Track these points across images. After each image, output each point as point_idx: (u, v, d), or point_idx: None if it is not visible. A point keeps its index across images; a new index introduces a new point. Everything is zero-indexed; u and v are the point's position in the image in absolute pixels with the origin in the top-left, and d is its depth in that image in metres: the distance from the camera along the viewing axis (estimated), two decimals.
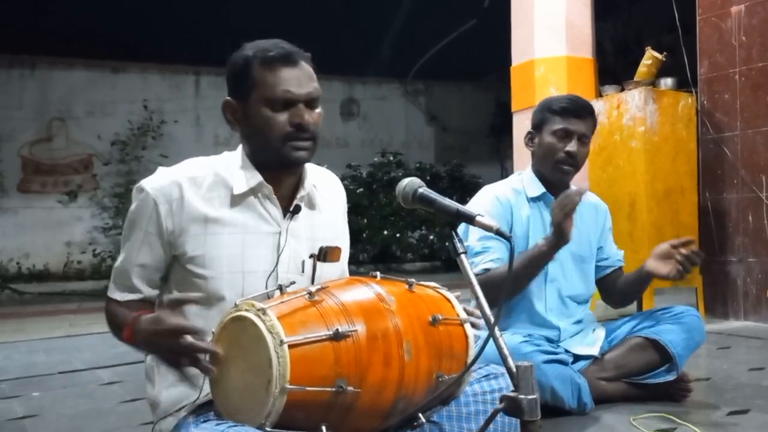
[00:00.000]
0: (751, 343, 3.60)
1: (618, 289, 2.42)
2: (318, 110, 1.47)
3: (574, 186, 2.49)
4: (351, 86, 12.15)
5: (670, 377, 2.30)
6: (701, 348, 2.44)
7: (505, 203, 2.34)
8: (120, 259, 1.50)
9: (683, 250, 2.12)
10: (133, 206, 1.48)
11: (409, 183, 1.38)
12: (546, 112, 2.35)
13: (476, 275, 2.12)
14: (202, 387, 1.39)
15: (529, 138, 2.41)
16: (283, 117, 1.42)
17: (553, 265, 2.33)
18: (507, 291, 2.12)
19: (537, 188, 2.37)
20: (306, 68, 1.46)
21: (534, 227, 2.35)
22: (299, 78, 1.44)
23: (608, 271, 2.46)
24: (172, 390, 1.46)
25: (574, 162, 2.30)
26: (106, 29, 10.09)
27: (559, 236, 2.08)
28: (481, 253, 2.26)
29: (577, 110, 2.31)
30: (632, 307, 4.24)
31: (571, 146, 2.28)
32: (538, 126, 2.37)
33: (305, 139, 1.44)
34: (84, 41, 9.92)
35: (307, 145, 1.45)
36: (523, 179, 2.42)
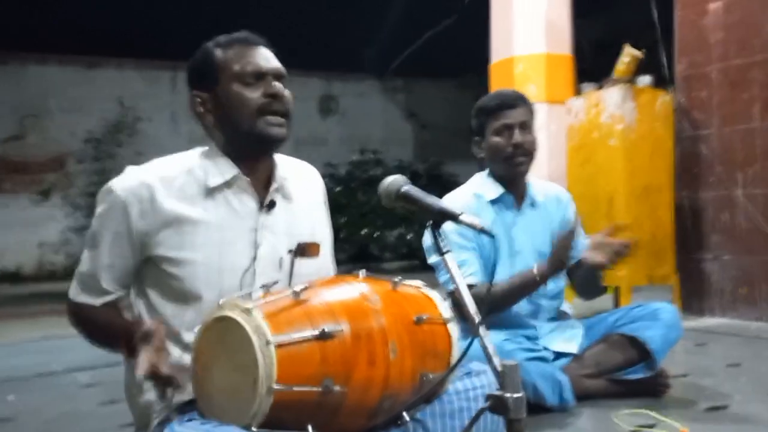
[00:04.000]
0: (727, 339, 3.65)
1: (577, 282, 2.44)
2: (288, 91, 1.47)
3: (538, 182, 2.50)
4: (329, 83, 12.09)
5: (650, 373, 2.33)
6: (679, 344, 2.47)
7: (467, 210, 2.33)
8: (85, 262, 1.47)
9: (611, 240, 2.18)
10: (100, 208, 1.45)
11: (393, 181, 1.37)
12: (481, 115, 2.39)
13: (451, 291, 2.15)
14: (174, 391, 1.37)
15: (477, 146, 2.43)
16: (256, 91, 1.43)
17: (520, 266, 2.34)
18: (491, 305, 2.16)
19: (495, 190, 2.38)
20: (267, 50, 1.48)
21: (497, 231, 2.35)
22: (264, 55, 1.47)
23: (574, 261, 2.47)
24: (153, 392, 1.43)
25: (524, 151, 2.33)
26: (81, 24, 9.93)
27: (559, 269, 2.16)
28: (458, 267, 2.23)
29: (509, 102, 2.35)
30: (610, 304, 4.29)
31: (516, 137, 2.31)
32: (479, 131, 2.40)
33: (280, 114, 1.44)
34: (58, 36, 9.75)
35: (282, 121, 1.45)
36: (481, 183, 2.43)
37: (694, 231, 4.45)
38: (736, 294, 4.24)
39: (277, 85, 1.44)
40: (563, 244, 2.12)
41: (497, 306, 2.23)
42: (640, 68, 4.51)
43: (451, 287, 2.15)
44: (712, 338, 3.66)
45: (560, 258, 2.12)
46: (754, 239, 4.14)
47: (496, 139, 2.34)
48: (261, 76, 1.44)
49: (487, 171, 2.44)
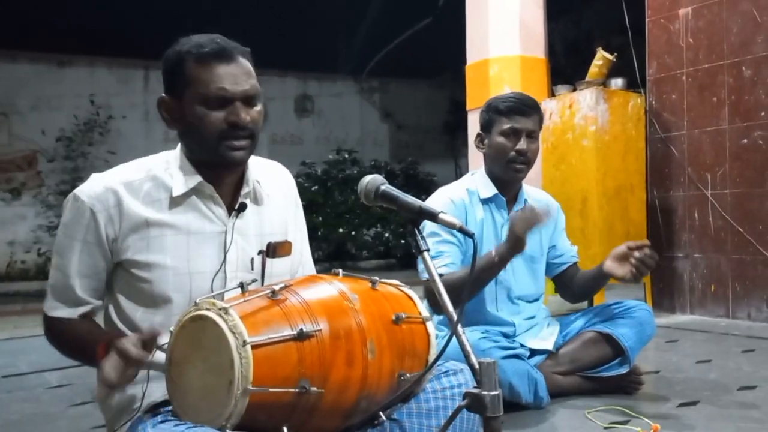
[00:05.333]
0: (697, 336, 3.72)
1: (575, 285, 2.46)
2: (257, 108, 1.43)
3: (530, 188, 2.53)
4: (305, 82, 12.06)
5: (623, 370, 2.36)
6: (650, 341, 2.51)
7: (459, 205, 2.35)
8: (56, 274, 1.44)
9: (638, 254, 2.13)
10: (67, 217, 1.42)
11: (371, 180, 1.37)
12: (492, 113, 2.38)
13: (426, 281, 2.16)
14: (145, 392, 1.36)
15: (479, 140, 2.44)
16: (218, 115, 1.38)
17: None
18: (466, 294, 2.14)
19: (489, 189, 2.39)
20: (243, 64, 1.41)
21: (487, 229, 2.38)
22: (235, 75, 1.39)
23: (563, 267, 2.50)
24: (125, 394, 1.42)
25: (526, 159, 2.34)
26: (52, 21, 9.76)
27: (515, 248, 2.08)
28: (434, 258, 2.24)
29: (522, 108, 2.34)
30: (584, 302, 4.34)
31: (521, 144, 2.32)
32: (486, 127, 2.40)
33: (242, 137, 1.40)
34: (28, 33, 9.58)
35: (245, 144, 1.41)
36: (475, 180, 2.44)
37: (665, 230, 4.52)
38: (706, 291, 4.32)
39: (241, 113, 1.39)
40: (523, 223, 2.04)
41: (458, 291, 2.22)
42: (613, 71, 4.58)
43: (426, 277, 2.16)
44: (683, 335, 3.73)
45: (519, 239, 2.05)
46: (723, 238, 4.22)
47: (502, 140, 2.34)
48: (226, 101, 1.39)
49: (483, 168, 2.45)
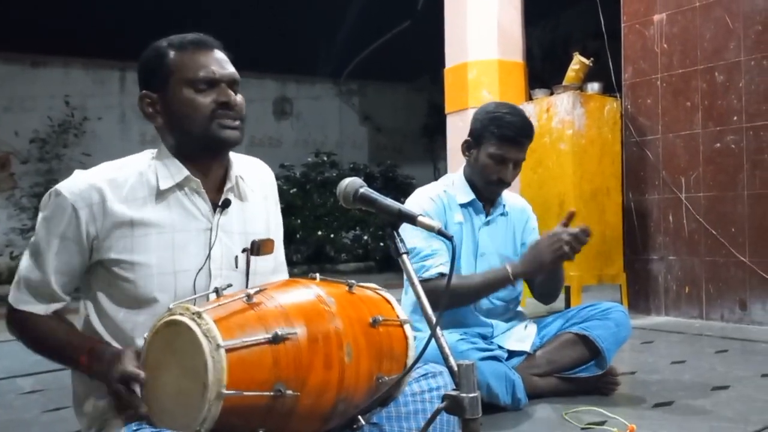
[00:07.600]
0: (672, 337, 3.77)
1: (538, 285, 2.47)
2: (241, 97, 1.45)
3: (506, 193, 2.54)
4: (284, 85, 12.01)
5: (599, 371, 2.38)
6: (626, 342, 2.54)
7: (439, 204, 2.37)
8: (31, 269, 1.40)
9: (571, 230, 2.18)
10: (47, 211, 1.40)
11: (350, 183, 1.36)
12: (486, 130, 2.33)
13: (430, 279, 2.19)
14: None
15: (467, 147, 2.42)
16: (207, 97, 1.40)
17: (483, 266, 2.39)
18: (447, 297, 2.15)
19: (467, 195, 2.41)
20: (222, 54, 1.45)
21: (465, 233, 2.39)
22: (219, 60, 1.43)
23: None
24: (101, 400, 1.40)
25: (506, 184, 2.37)
26: (26, 20, 9.61)
27: (535, 273, 2.22)
28: (431, 256, 2.25)
29: (519, 140, 2.32)
30: (561, 304, 4.38)
31: (505, 174, 2.33)
32: (476, 137, 2.37)
33: (233, 118, 1.42)
34: (1, 33, 9.42)
35: (236, 124, 1.42)
36: (454, 183, 2.44)
37: (641, 233, 4.58)
38: (680, 293, 4.38)
39: (230, 92, 1.41)
40: (549, 259, 2.15)
41: (465, 297, 2.26)
42: (589, 75, 4.63)
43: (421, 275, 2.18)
44: (658, 336, 3.78)
45: (538, 268, 2.18)
46: (697, 240, 4.29)
47: (488, 162, 2.33)
48: (214, 83, 1.41)
49: (462, 171, 2.46)
